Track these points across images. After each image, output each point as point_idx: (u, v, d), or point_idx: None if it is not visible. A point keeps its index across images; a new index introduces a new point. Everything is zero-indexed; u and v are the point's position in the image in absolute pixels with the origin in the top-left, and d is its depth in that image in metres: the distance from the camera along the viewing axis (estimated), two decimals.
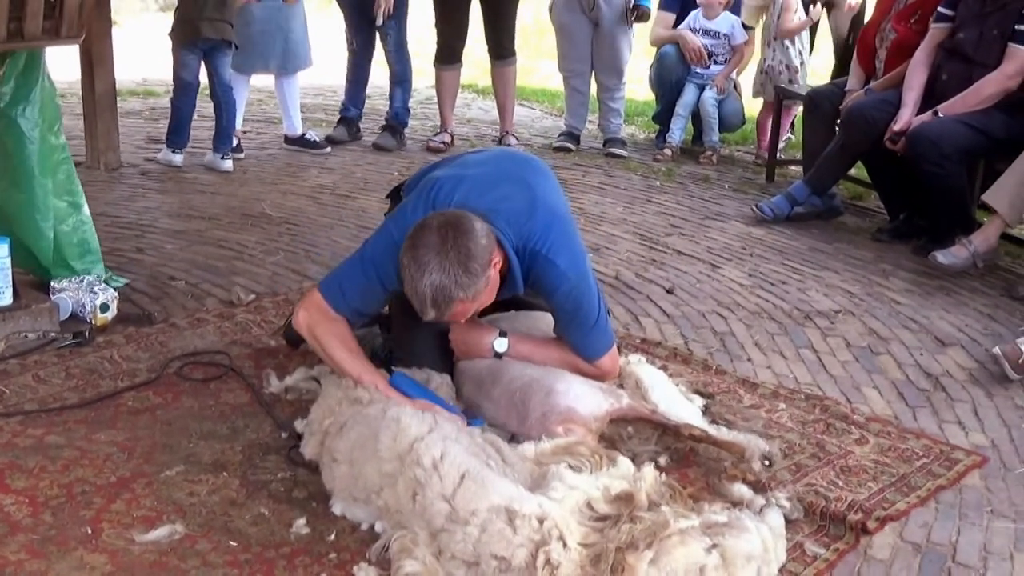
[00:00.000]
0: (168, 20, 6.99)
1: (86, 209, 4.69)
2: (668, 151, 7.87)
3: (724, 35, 7.83)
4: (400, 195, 3.94)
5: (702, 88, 7.89)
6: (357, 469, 3.09)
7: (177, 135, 6.95)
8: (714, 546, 2.78)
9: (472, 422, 3.42)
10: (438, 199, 3.46)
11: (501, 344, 3.62)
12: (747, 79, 8.29)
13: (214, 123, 7.01)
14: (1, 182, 4.46)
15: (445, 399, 3.52)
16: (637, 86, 9.30)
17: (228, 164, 6.93)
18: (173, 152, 6.96)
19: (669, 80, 7.98)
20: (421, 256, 3.17)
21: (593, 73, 8.04)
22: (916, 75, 5.91)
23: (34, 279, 4.57)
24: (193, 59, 6.74)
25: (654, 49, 8.27)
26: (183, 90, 6.83)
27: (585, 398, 3.45)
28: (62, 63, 4.52)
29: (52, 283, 4.41)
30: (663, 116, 8.16)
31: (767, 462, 3.49)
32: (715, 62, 7.89)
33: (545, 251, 3.41)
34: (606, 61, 7.89)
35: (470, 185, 3.46)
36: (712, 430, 3.57)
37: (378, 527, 3.04)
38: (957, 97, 5.70)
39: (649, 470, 3.10)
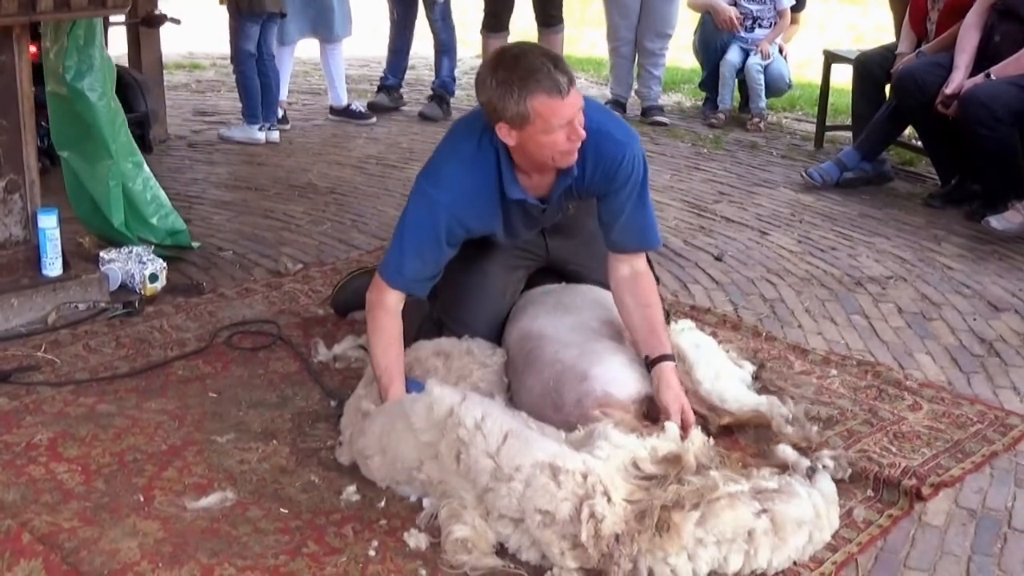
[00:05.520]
0: None
1: (146, 167, 4.80)
2: (721, 115, 7.82)
3: None
4: None
5: (746, 52, 7.83)
6: (391, 455, 3.07)
7: (257, 108, 6.90)
8: (764, 510, 2.76)
9: None
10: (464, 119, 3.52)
11: None
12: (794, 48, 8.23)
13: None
14: (77, 150, 4.61)
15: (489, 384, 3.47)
16: (683, 53, 9.23)
17: (275, 135, 6.93)
18: (259, 129, 6.91)
19: (713, 44, 7.92)
20: (514, 52, 3.19)
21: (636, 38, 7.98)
22: (968, 37, 5.82)
23: (85, 251, 4.63)
24: (255, 30, 6.71)
25: (697, 15, 8.21)
26: (246, 61, 6.76)
27: (622, 382, 3.33)
28: (109, 37, 4.55)
29: (101, 253, 4.45)
30: (709, 82, 8.10)
31: (788, 422, 3.41)
32: (760, 26, 7.83)
33: (596, 126, 3.31)
34: (654, 25, 7.80)
35: None
36: (735, 407, 3.45)
37: (425, 502, 3.02)
38: (1010, 59, 5.61)
39: (697, 433, 3.06)
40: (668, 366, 3.34)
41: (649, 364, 3.35)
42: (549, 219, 3.63)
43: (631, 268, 3.52)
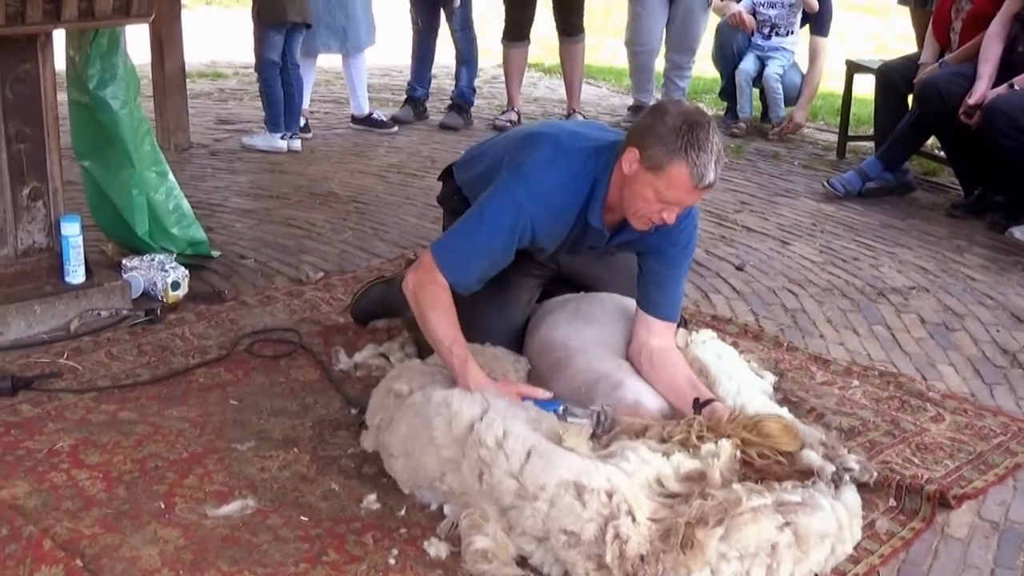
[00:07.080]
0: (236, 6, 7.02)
1: (171, 176, 4.79)
2: (743, 125, 7.82)
3: (789, 5, 7.74)
4: (452, 174, 3.90)
5: (762, 61, 7.81)
6: (414, 460, 3.07)
7: (279, 117, 6.90)
8: (787, 524, 2.74)
9: (548, 405, 3.26)
10: (559, 129, 3.48)
11: None
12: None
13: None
14: (98, 159, 4.60)
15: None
16: (705, 63, 9.22)
17: (297, 144, 6.95)
18: (281, 138, 6.90)
19: (729, 51, 7.91)
20: (705, 121, 3.14)
21: (663, 50, 7.97)
22: (991, 47, 5.81)
23: (108, 258, 4.65)
24: (279, 39, 6.70)
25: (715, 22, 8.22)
26: (270, 69, 6.77)
27: (654, 395, 3.39)
28: (133, 45, 4.55)
29: (124, 261, 4.47)
30: (728, 91, 8.08)
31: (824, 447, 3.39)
32: (777, 33, 7.80)
33: None
34: (680, 38, 7.80)
35: (574, 124, 3.41)
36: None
37: (446, 509, 3.02)
38: None
39: (726, 444, 3.00)
40: (720, 405, 3.32)
41: (699, 405, 3.29)
42: (593, 248, 3.61)
43: (665, 342, 3.52)
